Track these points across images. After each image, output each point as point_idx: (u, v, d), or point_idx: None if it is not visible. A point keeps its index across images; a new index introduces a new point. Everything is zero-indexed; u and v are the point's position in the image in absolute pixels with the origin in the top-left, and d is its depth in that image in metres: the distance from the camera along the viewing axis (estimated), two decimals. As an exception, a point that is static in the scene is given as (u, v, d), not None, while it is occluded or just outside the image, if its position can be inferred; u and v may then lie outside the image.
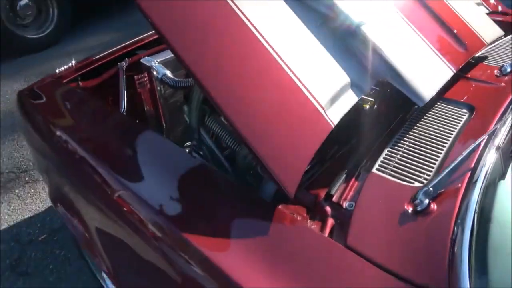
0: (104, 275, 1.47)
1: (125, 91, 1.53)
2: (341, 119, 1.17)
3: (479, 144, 0.82)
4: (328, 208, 0.84)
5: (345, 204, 0.83)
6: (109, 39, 3.73)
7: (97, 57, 1.65)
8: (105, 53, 1.68)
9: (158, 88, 1.64)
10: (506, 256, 0.65)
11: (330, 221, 0.81)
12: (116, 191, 0.92)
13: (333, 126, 0.87)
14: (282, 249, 0.75)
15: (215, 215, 0.83)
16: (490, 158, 0.79)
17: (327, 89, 0.90)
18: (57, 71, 1.58)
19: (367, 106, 1.14)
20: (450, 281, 0.61)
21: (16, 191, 2.14)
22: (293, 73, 0.88)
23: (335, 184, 0.88)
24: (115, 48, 1.70)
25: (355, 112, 1.19)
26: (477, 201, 0.71)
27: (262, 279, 0.69)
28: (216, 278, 0.72)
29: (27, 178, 2.22)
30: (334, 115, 0.89)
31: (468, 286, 0.59)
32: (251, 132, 0.80)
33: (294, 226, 0.80)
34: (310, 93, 0.88)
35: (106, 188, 0.97)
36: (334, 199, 0.85)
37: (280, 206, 0.83)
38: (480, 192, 0.73)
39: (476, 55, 1.23)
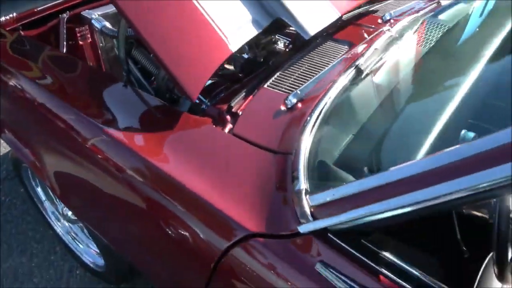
0: (46, 205, 1.67)
1: (65, 42, 1.70)
2: (251, 56, 1.44)
3: (343, 64, 1.10)
4: (228, 117, 1.09)
5: (240, 113, 1.09)
6: None
7: (39, 9, 1.80)
8: (46, 6, 1.84)
9: (101, 44, 1.82)
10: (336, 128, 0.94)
11: (229, 126, 1.06)
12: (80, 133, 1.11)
13: (233, 51, 1.12)
14: (196, 143, 1.00)
15: (150, 127, 1.07)
16: (349, 73, 1.07)
17: (230, 22, 1.15)
18: (-4, 20, 1.73)
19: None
20: (297, 147, 0.88)
21: (-41, 146, 2.26)
22: (201, 7, 1.12)
23: (235, 99, 1.13)
24: (56, 2, 1.86)
25: (267, 52, 1.47)
26: (330, 99, 0.99)
27: (186, 168, 0.93)
28: (154, 176, 0.94)
29: (-30, 135, 2.33)
30: (235, 43, 1.14)
31: (306, 149, 0.86)
32: (165, 52, 1.04)
33: (202, 128, 1.05)
34: (215, 24, 1.12)
35: (62, 124, 1.16)
36: (233, 110, 1.11)
37: (193, 116, 1.08)
38: (335, 94, 1.00)
39: (370, 9, 1.53)
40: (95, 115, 1.12)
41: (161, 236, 0.94)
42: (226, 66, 1.56)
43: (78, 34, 1.79)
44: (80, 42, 1.82)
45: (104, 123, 1.08)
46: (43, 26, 1.75)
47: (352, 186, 0.69)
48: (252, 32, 1.18)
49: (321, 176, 0.81)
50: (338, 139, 0.90)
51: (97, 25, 1.66)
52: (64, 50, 1.66)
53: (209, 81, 1.33)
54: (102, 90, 1.25)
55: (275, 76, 1.16)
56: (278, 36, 1.59)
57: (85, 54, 1.83)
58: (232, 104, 1.12)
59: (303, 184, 0.78)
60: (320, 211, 0.72)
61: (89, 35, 1.83)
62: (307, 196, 0.76)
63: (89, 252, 1.58)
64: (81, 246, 1.60)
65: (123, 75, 1.30)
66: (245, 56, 1.46)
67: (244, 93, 1.16)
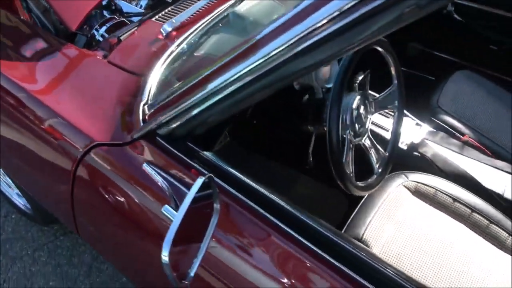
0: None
1: None
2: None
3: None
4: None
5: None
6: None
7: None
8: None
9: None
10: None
11: (115, 55, 1.13)
12: None
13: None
14: (74, 72, 1.06)
15: (40, 62, 1.11)
16: (226, 4, 1.12)
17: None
18: None
19: None
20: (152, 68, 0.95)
21: None
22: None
23: (124, 32, 1.19)
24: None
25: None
26: (200, 27, 1.05)
27: (59, 93, 0.99)
28: (33, 106, 0.99)
29: None
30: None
31: (159, 69, 0.93)
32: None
33: (86, 59, 1.11)
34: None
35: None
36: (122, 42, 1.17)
37: (86, 51, 1.14)
38: (204, 24, 1.06)
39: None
40: None
41: (36, 158, 1.03)
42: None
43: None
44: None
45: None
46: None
47: (175, 89, 0.76)
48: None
49: (165, 90, 0.88)
50: (189, 60, 0.97)
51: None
52: None
53: (117, 20, 1.37)
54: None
55: (166, 10, 1.22)
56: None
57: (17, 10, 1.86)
58: (121, 38, 1.18)
59: (145, 97, 0.86)
60: (151, 116, 0.80)
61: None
62: (145, 106, 0.83)
63: (20, 194, 1.67)
64: (10, 188, 1.69)
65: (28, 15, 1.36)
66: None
67: (134, 28, 1.21)
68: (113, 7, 1.46)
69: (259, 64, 0.60)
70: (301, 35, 0.55)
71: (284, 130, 1.22)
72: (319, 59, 0.58)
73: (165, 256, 0.53)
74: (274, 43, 0.57)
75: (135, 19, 1.44)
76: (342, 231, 1.12)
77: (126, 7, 1.50)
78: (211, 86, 0.67)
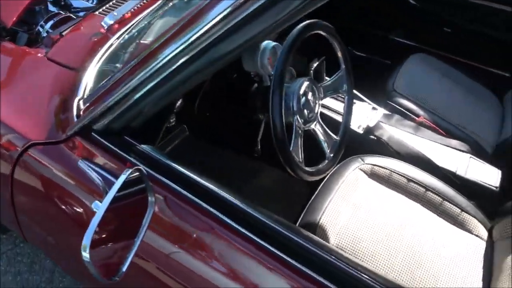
0: None
1: None
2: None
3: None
4: (59, 44, 1.12)
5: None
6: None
7: None
8: None
9: None
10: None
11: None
12: None
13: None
14: (14, 71, 1.03)
15: None
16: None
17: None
18: None
19: None
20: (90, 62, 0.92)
21: None
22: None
23: (67, 26, 1.16)
24: None
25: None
26: (138, 20, 1.02)
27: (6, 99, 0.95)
28: None
29: None
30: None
31: (96, 64, 0.91)
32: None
33: (27, 57, 1.07)
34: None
35: None
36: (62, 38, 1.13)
37: (27, 49, 1.10)
38: (144, 17, 1.04)
39: None
40: None
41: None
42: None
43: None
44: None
45: None
46: None
47: (107, 82, 0.74)
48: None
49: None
50: (128, 52, 0.94)
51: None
52: None
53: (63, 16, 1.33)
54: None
55: (110, 3, 1.18)
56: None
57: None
58: (63, 33, 1.14)
59: (81, 92, 0.83)
60: (85, 111, 0.78)
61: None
62: (80, 101, 0.80)
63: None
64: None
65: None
66: None
67: (77, 21, 1.18)
68: (62, 3, 1.42)
69: (184, 48, 0.59)
70: (224, 13, 0.54)
71: (237, 120, 1.21)
72: (242, 40, 0.57)
73: (85, 253, 0.51)
74: (200, 24, 0.57)
75: (83, 14, 1.40)
76: (301, 217, 1.12)
77: (76, 3, 1.46)
78: (141, 73, 0.65)
